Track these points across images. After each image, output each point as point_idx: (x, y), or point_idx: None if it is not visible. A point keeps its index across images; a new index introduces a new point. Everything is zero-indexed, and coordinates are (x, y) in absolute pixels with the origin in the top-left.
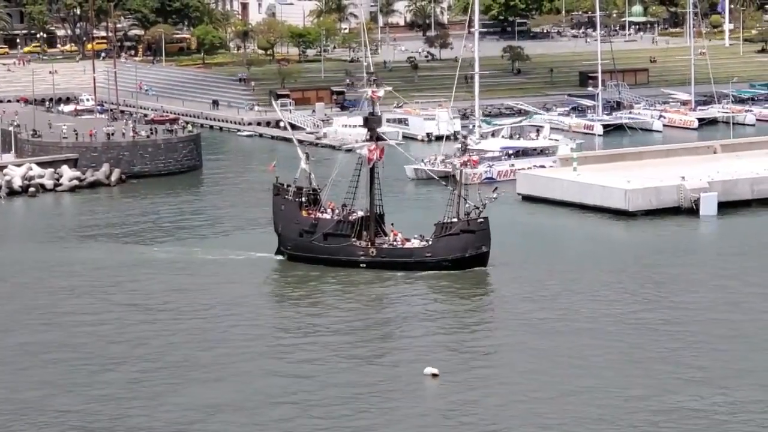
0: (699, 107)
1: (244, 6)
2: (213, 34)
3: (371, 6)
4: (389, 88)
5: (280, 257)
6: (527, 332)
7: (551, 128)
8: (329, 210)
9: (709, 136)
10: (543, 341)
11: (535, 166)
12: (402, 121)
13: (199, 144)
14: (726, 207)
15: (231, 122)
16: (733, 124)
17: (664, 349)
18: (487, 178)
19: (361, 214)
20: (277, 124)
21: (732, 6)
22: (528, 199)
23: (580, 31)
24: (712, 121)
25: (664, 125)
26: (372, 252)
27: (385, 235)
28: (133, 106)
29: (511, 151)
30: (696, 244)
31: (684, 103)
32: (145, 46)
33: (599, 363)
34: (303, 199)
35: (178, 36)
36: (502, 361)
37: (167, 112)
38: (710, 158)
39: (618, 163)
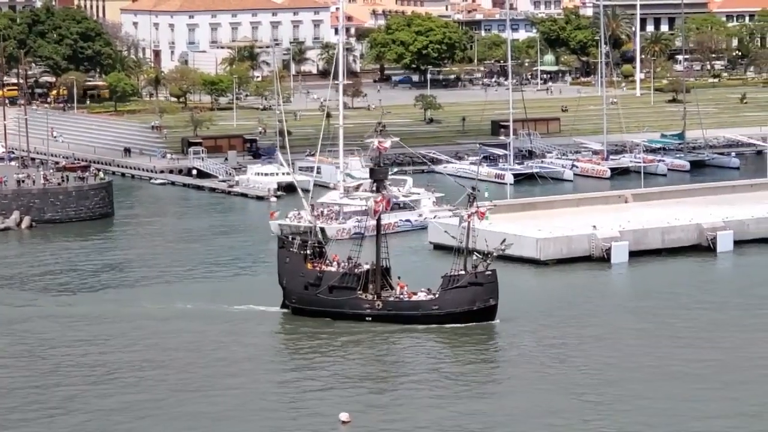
0: (611, 157)
1: (157, 54)
2: (125, 82)
3: (284, 54)
4: (396, 139)
5: (285, 310)
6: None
7: (462, 176)
8: (334, 262)
9: (621, 185)
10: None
11: (401, 220)
12: (315, 169)
13: (111, 192)
14: (637, 256)
15: (143, 170)
16: (645, 173)
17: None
18: (356, 233)
19: (366, 267)
20: (189, 172)
21: (643, 56)
22: (440, 247)
23: (492, 79)
24: (624, 171)
25: (577, 174)
26: (378, 305)
27: (391, 288)
28: (45, 154)
29: None
30: (607, 292)
31: (596, 152)
32: (62, 92)
33: None
34: (308, 252)
35: (94, 83)
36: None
37: (79, 159)
38: (621, 207)
39: (529, 212)
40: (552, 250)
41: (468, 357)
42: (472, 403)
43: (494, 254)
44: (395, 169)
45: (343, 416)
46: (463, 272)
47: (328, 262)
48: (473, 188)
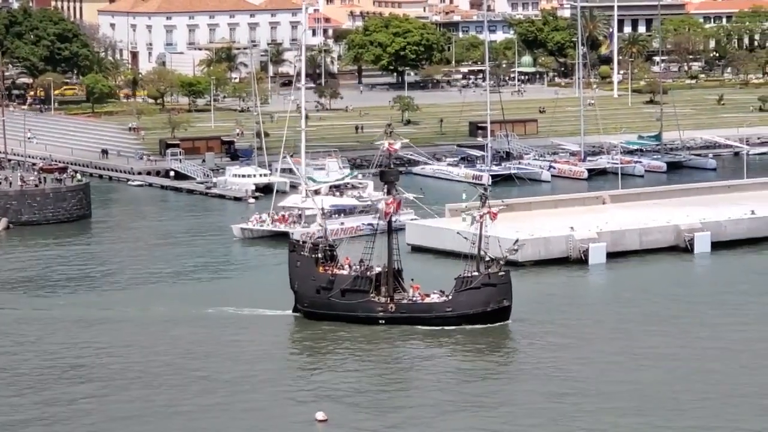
0: (588, 158)
1: (134, 55)
2: (102, 83)
3: (261, 56)
4: (406, 140)
5: (296, 314)
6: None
7: (440, 178)
8: (346, 266)
9: (599, 186)
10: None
11: (363, 224)
12: (292, 171)
13: (89, 193)
14: (614, 257)
15: (121, 171)
16: (622, 175)
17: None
18: (319, 237)
19: (378, 269)
20: (166, 174)
21: (620, 57)
22: (417, 249)
23: (470, 81)
24: (602, 172)
25: (554, 176)
26: (391, 308)
27: (404, 290)
28: (22, 155)
29: (340, 209)
30: (586, 294)
31: (573, 153)
32: (39, 93)
33: None
34: (319, 255)
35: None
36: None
37: (56, 161)
38: (599, 209)
39: (507, 213)
40: (529, 252)
41: (469, 360)
42: (472, 406)
43: (506, 255)
44: (356, 173)
45: (319, 415)
46: (476, 273)
47: (339, 265)
48: (485, 189)
